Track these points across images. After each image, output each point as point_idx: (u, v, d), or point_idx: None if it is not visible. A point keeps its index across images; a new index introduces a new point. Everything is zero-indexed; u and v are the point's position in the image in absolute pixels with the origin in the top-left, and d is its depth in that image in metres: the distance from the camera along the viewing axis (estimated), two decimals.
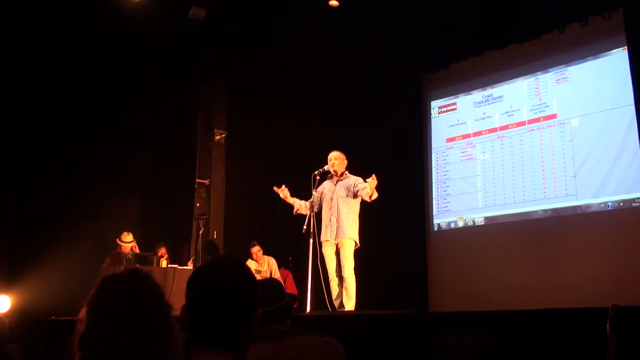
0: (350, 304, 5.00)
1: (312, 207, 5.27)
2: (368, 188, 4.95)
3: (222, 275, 1.36)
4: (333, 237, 5.12)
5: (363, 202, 5.23)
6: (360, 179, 5.18)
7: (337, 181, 5.28)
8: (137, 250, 6.98)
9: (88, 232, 7.01)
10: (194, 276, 1.38)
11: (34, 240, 6.82)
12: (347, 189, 5.19)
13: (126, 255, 6.84)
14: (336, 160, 5.31)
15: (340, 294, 5.09)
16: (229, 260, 1.46)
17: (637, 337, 2.61)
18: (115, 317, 1.28)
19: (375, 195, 5.00)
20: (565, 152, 6.43)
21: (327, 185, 5.34)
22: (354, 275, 5.05)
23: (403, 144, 7.67)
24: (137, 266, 6.20)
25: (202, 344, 1.30)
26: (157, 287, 1.38)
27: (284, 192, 5.31)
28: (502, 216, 6.87)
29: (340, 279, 5.08)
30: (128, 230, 6.98)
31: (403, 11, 6.65)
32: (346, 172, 5.33)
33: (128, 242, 6.91)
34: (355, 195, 5.16)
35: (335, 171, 5.29)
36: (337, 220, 5.12)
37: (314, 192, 5.26)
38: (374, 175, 4.91)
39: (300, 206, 5.36)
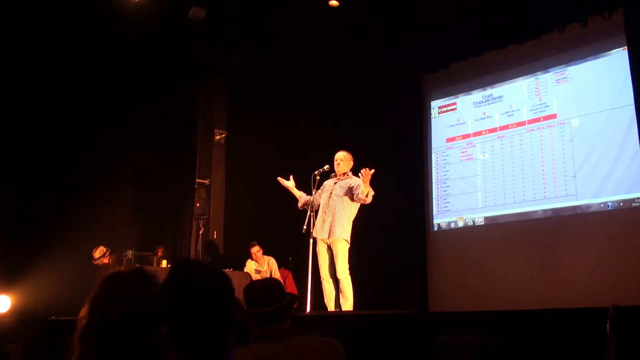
0: (346, 305, 4.98)
1: (312, 205, 5.26)
2: (362, 186, 4.88)
3: (189, 283, 1.28)
4: (326, 235, 5.11)
5: (363, 204, 5.20)
6: (360, 180, 5.05)
7: (338, 180, 5.28)
8: (106, 261, 6.71)
9: (88, 232, 7.00)
10: (163, 289, 1.30)
11: (34, 240, 6.82)
12: (345, 188, 5.17)
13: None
14: (342, 161, 5.29)
15: (336, 296, 5.08)
16: (191, 266, 1.35)
17: (637, 337, 2.61)
18: (118, 315, 1.28)
19: (371, 193, 4.93)
20: (565, 152, 6.43)
21: (327, 183, 5.35)
22: (348, 276, 5.03)
23: (403, 144, 7.66)
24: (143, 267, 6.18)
25: (183, 352, 1.27)
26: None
27: (290, 182, 5.31)
28: (502, 216, 6.86)
29: (335, 280, 5.08)
30: (101, 244, 6.80)
31: (403, 11, 6.66)
32: (349, 172, 5.30)
33: (98, 257, 6.71)
34: (352, 197, 5.12)
35: (338, 171, 5.29)
36: (331, 220, 5.11)
37: (313, 192, 5.26)
38: (365, 169, 4.82)
39: (307, 201, 5.33)
